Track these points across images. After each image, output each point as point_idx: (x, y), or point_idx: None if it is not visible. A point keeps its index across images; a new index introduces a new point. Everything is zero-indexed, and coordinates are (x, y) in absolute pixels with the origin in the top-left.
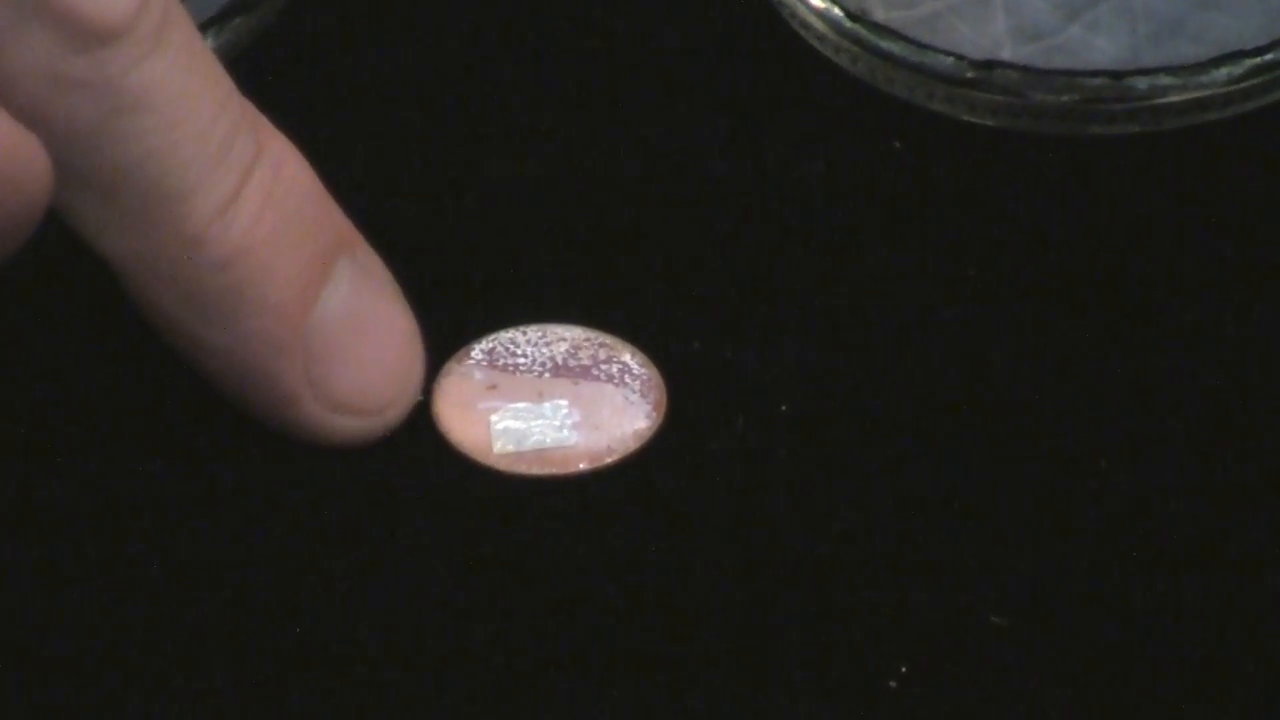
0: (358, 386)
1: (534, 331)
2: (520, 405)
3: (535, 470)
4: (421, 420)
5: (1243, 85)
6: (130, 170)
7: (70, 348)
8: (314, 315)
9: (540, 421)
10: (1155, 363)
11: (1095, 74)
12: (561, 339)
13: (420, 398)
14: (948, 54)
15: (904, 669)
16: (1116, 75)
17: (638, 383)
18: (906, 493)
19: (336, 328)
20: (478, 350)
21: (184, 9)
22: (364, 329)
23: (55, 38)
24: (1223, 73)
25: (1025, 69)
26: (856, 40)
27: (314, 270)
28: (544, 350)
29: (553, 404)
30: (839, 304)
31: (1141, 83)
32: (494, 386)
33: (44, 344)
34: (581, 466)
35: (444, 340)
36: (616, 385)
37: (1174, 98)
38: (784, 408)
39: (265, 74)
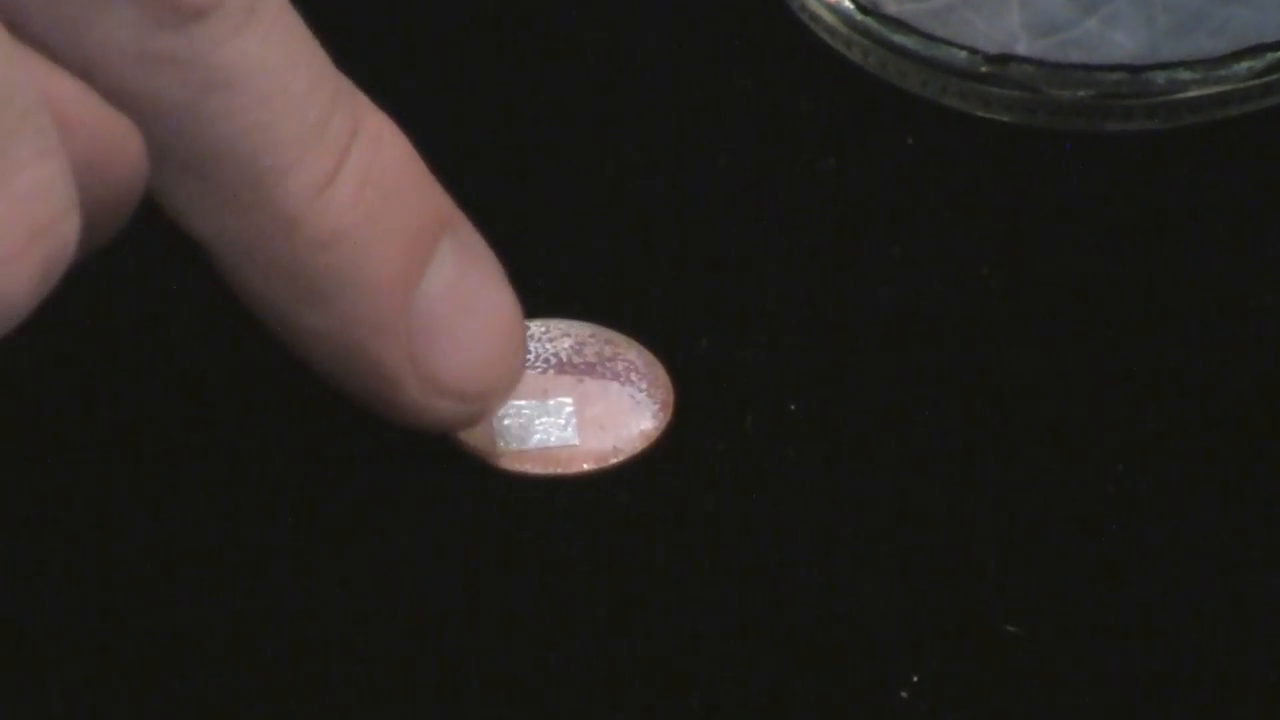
0: (462, 369)
1: (537, 327)
2: (524, 403)
3: (539, 470)
4: None
5: (1264, 80)
6: (224, 149)
7: (73, 345)
8: (417, 296)
9: (544, 420)
10: (1176, 364)
11: (1113, 68)
12: (566, 335)
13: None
14: (961, 48)
15: (916, 678)
16: (1134, 69)
17: (644, 381)
18: (919, 496)
19: (440, 308)
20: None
21: None
22: (468, 310)
23: (143, 14)
24: (1244, 67)
25: (1041, 63)
26: (867, 34)
27: (416, 249)
28: (548, 346)
29: (557, 402)
30: (850, 302)
31: (1160, 77)
32: None
33: (44, 342)
34: (586, 466)
35: None
36: (623, 383)
37: (1193, 93)
38: (793, 407)
39: None
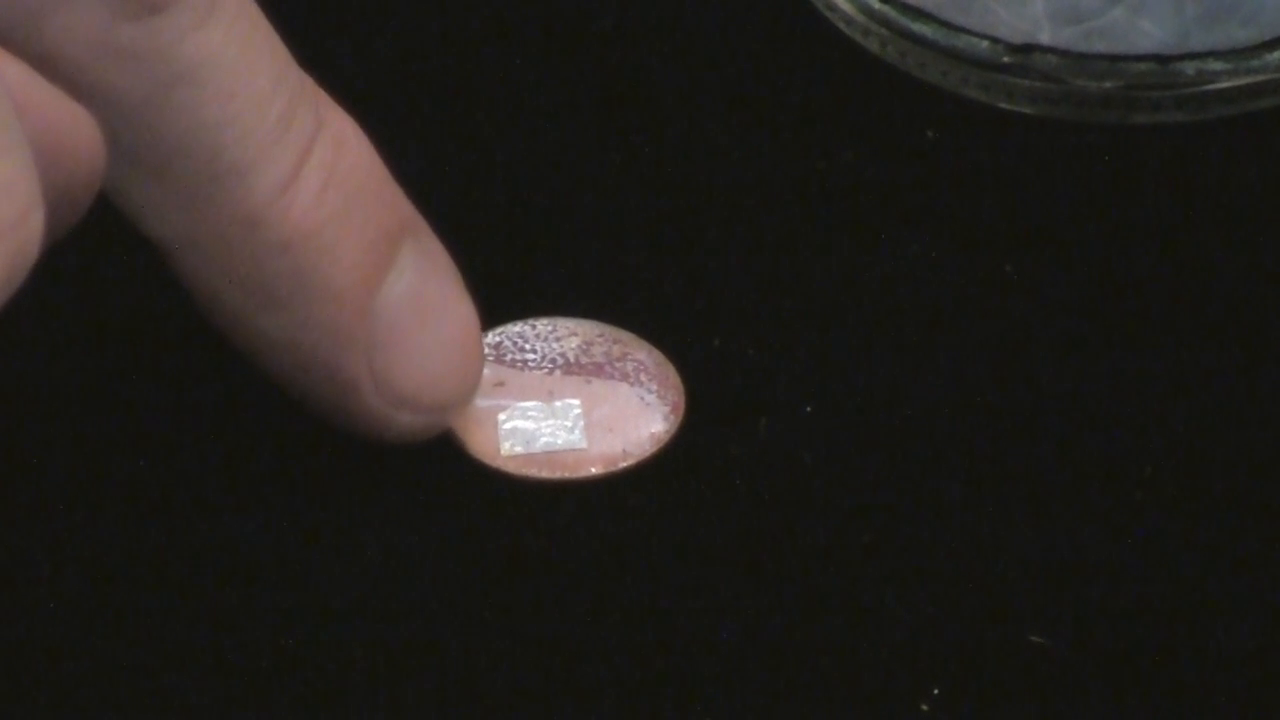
0: (421, 379)
1: (544, 325)
2: (529, 404)
3: (545, 474)
4: None
5: None
6: (183, 145)
7: (70, 343)
8: (377, 302)
9: (551, 422)
10: (1207, 364)
11: (1140, 58)
12: (573, 334)
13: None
14: (983, 37)
15: (936, 690)
16: (1163, 60)
17: (654, 382)
18: (940, 502)
19: (401, 315)
20: (485, 344)
21: None
22: (428, 318)
23: (103, 6)
24: (1275, 57)
25: (1065, 53)
26: (886, 23)
27: (378, 254)
28: (554, 346)
29: (564, 403)
30: (867, 301)
31: (1189, 67)
32: (501, 384)
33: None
34: (594, 470)
35: None
36: (632, 384)
37: (1224, 84)
38: (809, 409)
39: None
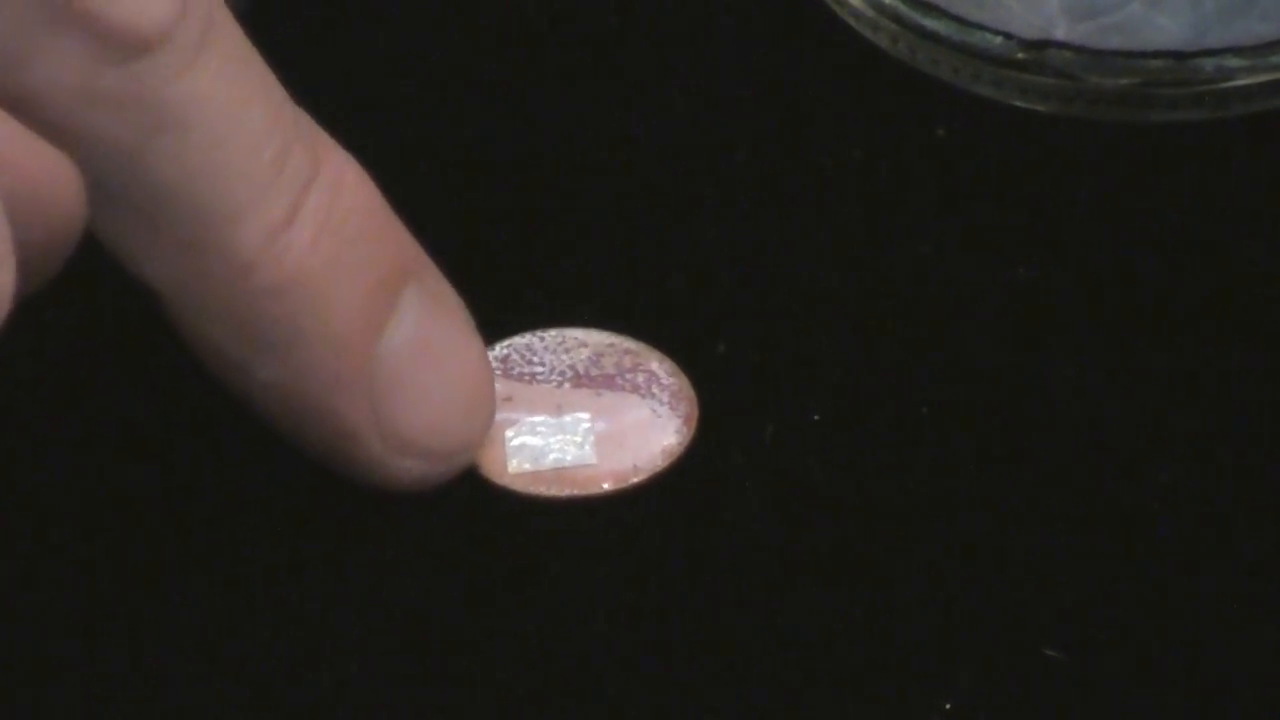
0: (427, 426)
1: (552, 336)
2: (538, 419)
3: (554, 491)
4: None
5: None
6: (172, 192)
7: (70, 348)
8: (379, 348)
9: (559, 437)
10: (1225, 367)
11: (1157, 55)
12: (582, 345)
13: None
14: (996, 33)
15: (948, 705)
16: (1180, 56)
17: (666, 394)
18: (954, 512)
19: (404, 362)
20: (492, 358)
21: (228, 11)
22: (434, 363)
23: (86, 49)
24: None
25: (1080, 49)
26: (896, 18)
27: (378, 299)
28: (563, 358)
29: (573, 417)
30: (878, 304)
31: (1207, 64)
32: (509, 398)
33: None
34: (605, 487)
35: None
36: (643, 397)
37: (1242, 80)
38: (817, 416)
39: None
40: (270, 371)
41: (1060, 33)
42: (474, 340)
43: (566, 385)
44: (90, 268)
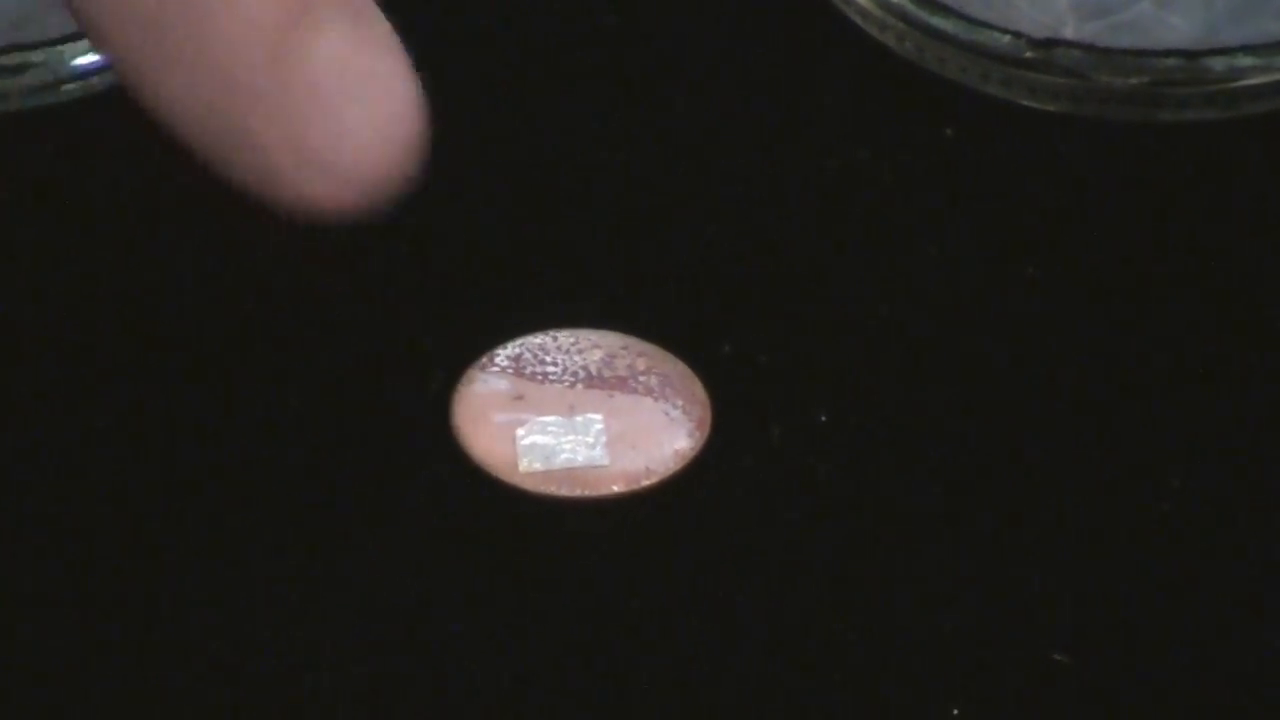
0: (343, 148)
1: (565, 337)
2: (549, 419)
3: (565, 492)
4: (438, 434)
5: None
6: None
7: (68, 344)
8: (291, 62)
9: (571, 438)
10: (1238, 369)
11: (1167, 54)
12: (596, 346)
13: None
14: (1004, 31)
15: (956, 711)
16: (1191, 55)
17: (680, 397)
18: (963, 516)
19: (322, 81)
20: (502, 356)
21: None
22: (358, 90)
23: None
24: None
25: (1090, 48)
26: (903, 16)
27: (295, 10)
28: (576, 358)
29: (585, 418)
30: (885, 306)
31: (1218, 63)
32: (520, 397)
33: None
34: (616, 489)
35: (465, 344)
36: (656, 399)
37: (1254, 80)
38: (824, 418)
39: None
40: (183, 85)
41: (1069, 31)
42: (401, 65)
43: (579, 386)
44: (91, 268)
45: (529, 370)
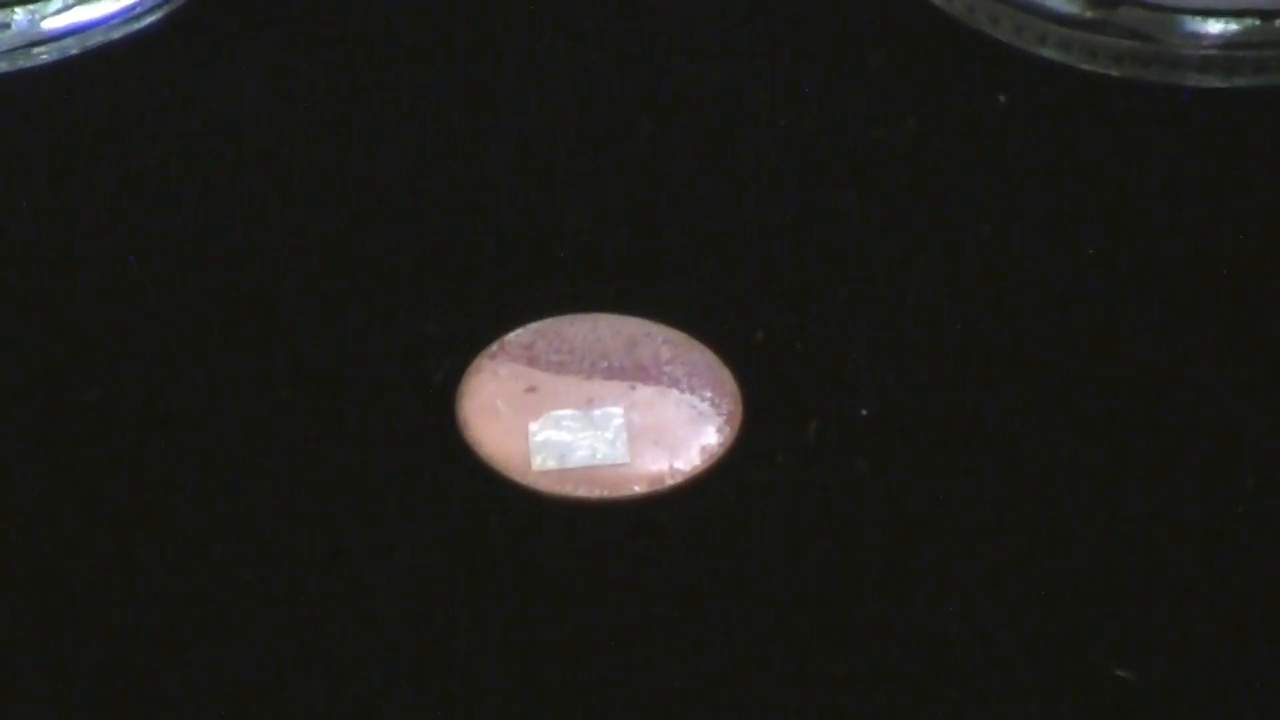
0: None
1: (583, 322)
2: (565, 413)
3: (581, 493)
4: (445, 428)
5: None
6: None
7: (69, 345)
8: None
9: (589, 433)
10: None
11: (1241, 14)
12: (617, 332)
13: None
14: None
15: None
16: (1266, 15)
17: (708, 388)
18: (1018, 521)
19: None
20: (514, 343)
21: None
22: None
23: None
24: None
25: (1157, 8)
26: None
27: None
28: (595, 345)
29: (604, 412)
30: (932, 287)
31: None
32: (533, 389)
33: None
34: (637, 489)
35: (474, 330)
36: (682, 390)
37: None
38: (865, 412)
39: (283, 42)
40: None
41: None
42: None
43: (598, 377)
44: (87, 266)
45: (544, 359)
